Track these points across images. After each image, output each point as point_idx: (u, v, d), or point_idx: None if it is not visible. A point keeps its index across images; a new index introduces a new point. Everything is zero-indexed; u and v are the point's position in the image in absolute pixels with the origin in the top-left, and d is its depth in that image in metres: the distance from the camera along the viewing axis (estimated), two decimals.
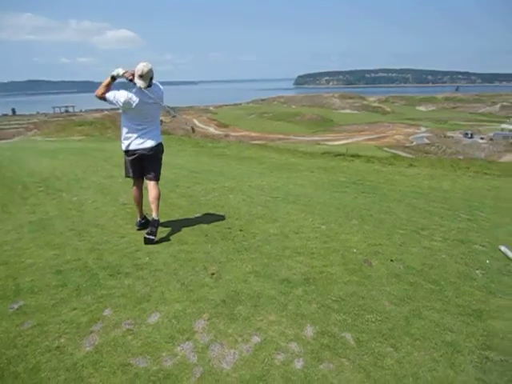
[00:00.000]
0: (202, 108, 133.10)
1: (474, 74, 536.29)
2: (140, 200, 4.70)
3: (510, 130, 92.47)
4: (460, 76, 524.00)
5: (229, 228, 4.77)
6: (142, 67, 4.15)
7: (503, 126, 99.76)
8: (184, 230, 4.71)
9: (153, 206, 4.43)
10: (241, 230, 4.70)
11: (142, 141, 4.36)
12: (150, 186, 4.51)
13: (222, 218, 5.17)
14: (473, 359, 2.53)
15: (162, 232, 4.60)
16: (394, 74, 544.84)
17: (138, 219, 4.83)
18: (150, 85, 4.24)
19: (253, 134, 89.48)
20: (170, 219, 5.12)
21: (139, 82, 4.15)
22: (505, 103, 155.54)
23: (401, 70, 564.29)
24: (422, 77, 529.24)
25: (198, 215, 5.30)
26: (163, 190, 6.82)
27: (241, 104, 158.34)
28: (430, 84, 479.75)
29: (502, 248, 4.22)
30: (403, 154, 67.80)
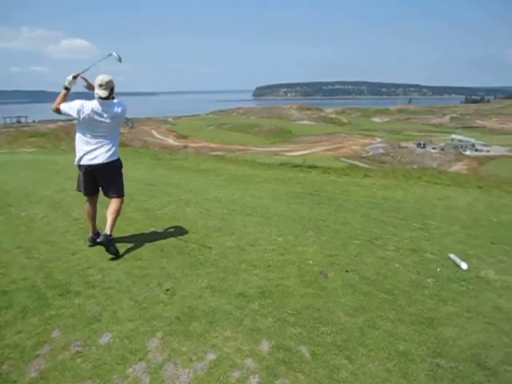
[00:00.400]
0: (161, 119, 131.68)
1: (425, 87, 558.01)
2: (93, 215, 4.56)
3: (459, 140, 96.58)
4: (412, 89, 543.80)
5: (185, 242, 4.70)
6: (102, 77, 4.07)
7: (453, 136, 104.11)
8: (139, 245, 4.60)
9: (108, 220, 4.30)
10: (197, 244, 4.64)
11: (93, 156, 4.20)
12: (111, 201, 4.41)
13: (178, 231, 5.09)
14: (424, 367, 2.58)
15: (117, 247, 4.48)
16: (349, 87, 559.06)
17: (91, 234, 4.66)
18: (111, 96, 4.15)
19: (212, 145, 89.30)
20: (125, 234, 4.98)
21: (100, 92, 4.06)
22: (454, 115, 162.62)
23: (356, 82, 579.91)
24: (376, 89, 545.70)
25: (153, 229, 5.20)
26: None
27: (200, 115, 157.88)
28: (384, 96, 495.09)
29: (451, 256, 4.36)
30: (360, 164, 69.48)
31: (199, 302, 3.30)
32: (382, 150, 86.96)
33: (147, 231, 5.12)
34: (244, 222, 5.59)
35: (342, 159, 75.10)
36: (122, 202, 4.48)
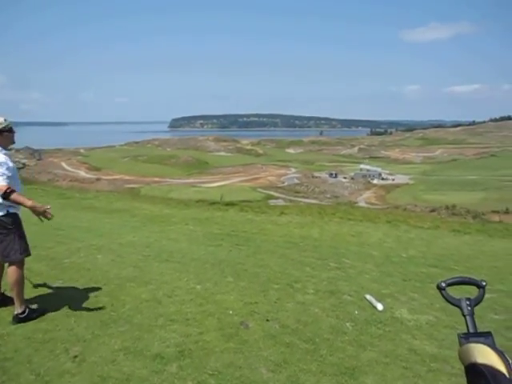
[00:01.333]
0: (72, 150, 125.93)
1: (335, 120, 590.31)
2: None
3: (368, 170, 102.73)
4: (323, 121, 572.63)
5: (95, 296, 4.36)
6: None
7: (362, 166, 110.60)
8: (43, 302, 4.19)
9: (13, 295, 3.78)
10: (109, 298, 4.33)
11: None
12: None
13: (88, 284, 4.72)
14: None
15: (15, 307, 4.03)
16: (264, 119, 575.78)
17: None
18: None
19: (127, 177, 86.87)
20: (26, 289, 4.52)
21: None
22: (362, 146, 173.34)
23: (270, 114, 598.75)
24: (289, 121, 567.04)
25: (60, 282, 4.77)
26: None
27: (114, 146, 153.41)
28: (298, 128, 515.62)
29: (368, 296, 4.46)
30: (276, 194, 71.15)
31: (111, 369, 3.02)
32: (296, 180, 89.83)
33: (53, 285, 4.68)
34: (160, 269, 5.35)
35: (259, 190, 76.43)
36: (16, 270, 3.74)
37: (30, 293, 4.40)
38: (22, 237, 3.79)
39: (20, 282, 3.77)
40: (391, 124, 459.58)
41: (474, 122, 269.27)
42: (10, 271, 3.73)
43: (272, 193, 73.10)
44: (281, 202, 59.27)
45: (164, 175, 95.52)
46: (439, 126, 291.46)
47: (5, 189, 3.39)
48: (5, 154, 3.63)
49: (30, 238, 6.79)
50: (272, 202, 60.83)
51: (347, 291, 4.69)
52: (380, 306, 4.21)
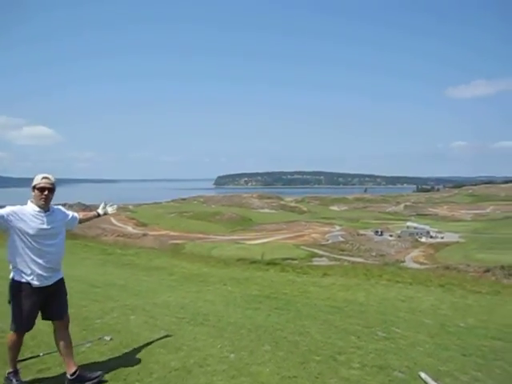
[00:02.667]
0: (121, 206, 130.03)
1: (379, 177, 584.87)
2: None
3: (415, 228, 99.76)
4: (367, 178, 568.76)
5: (122, 362, 4.05)
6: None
7: (408, 224, 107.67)
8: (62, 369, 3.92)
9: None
10: (137, 365, 4.02)
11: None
12: None
13: (116, 348, 4.45)
14: None
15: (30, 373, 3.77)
16: (308, 176, 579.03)
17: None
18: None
19: (172, 233, 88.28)
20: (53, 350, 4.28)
21: None
22: (407, 203, 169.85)
23: (314, 172, 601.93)
24: (333, 179, 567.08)
25: (87, 346, 4.52)
26: None
27: (161, 203, 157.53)
28: (341, 185, 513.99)
29: (422, 375, 3.91)
30: (320, 252, 69.86)
31: None
32: (341, 238, 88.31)
33: (80, 349, 4.42)
34: (194, 333, 5.01)
35: (303, 247, 75.43)
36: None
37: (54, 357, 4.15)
38: (13, 309, 3.60)
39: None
40: (438, 181, 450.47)
41: None
42: (67, 332, 3.86)
43: (316, 250, 71.91)
44: (325, 260, 57.99)
45: (208, 231, 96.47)
46: (489, 182, 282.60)
47: None
48: (33, 211, 3.56)
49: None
50: (316, 259, 59.68)
51: (398, 367, 4.14)
52: None
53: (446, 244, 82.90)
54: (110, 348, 4.45)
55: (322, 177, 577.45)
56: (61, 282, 3.88)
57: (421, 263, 60.70)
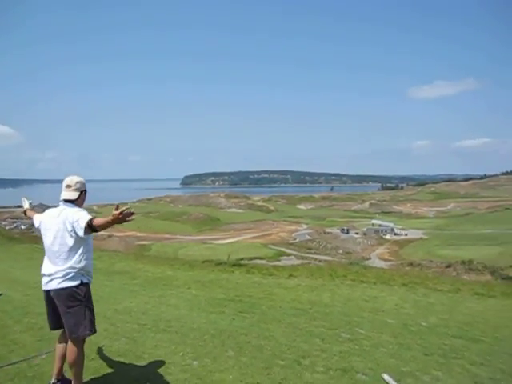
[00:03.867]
0: (85, 207, 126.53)
1: (345, 176, 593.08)
2: (60, 353, 3.59)
3: (380, 225, 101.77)
4: (333, 177, 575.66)
5: None
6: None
7: (373, 221, 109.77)
8: (19, 380, 3.73)
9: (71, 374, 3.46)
10: (94, 375, 3.86)
11: (48, 279, 3.38)
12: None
13: None
14: None
15: None
16: (275, 175, 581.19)
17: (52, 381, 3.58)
18: (70, 199, 3.49)
19: (139, 234, 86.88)
20: (5, 364, 4.06)
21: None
22: (372, 201, 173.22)
23: (281, 171, 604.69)
24: (300, 178, 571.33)
25: (42, 358, 4.31)
26: (7, 319, 5.71)
27: (127, 203, 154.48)
28: (308, 184, 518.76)
29: (385, 377, 3.92)
30: (288, 251, 70.25)
31: None
32: (308, 236, 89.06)
33: (33, 362, 4.20)
34: (155, 340, 4.87)
35: (270, 246, 75.63)
36: (78, 348, 3.41)
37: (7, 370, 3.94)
38: (92, 311, 3.48)
39: (80, 362, 3.43)
40: (402, 179, 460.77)
41: (485, 175, 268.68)
42: (71, 349, 3.39)
43: (283, 249, 72.20)
44: (292, 259, 58.35)
45: (175, 232, 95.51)
46: (450, 180, 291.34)
47: (87, 220, 3.22)
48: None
49: (24, 304, 6.47)
50: (284, 258, 59.94)
51: (361, 369, 4.14)
52: None
53: (410, 241, 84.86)
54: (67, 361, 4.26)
55: (288, 176, 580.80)
56: None
57: (386, 260, 61.93)
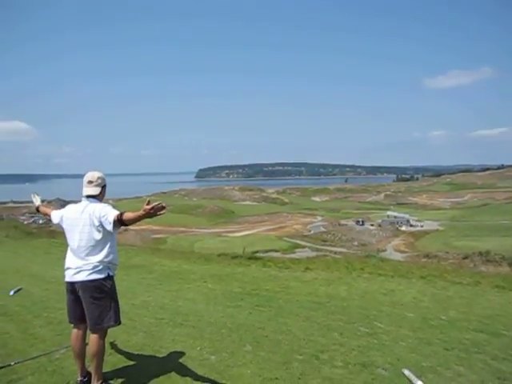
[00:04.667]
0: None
1: (360, 167, 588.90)
2: (79, 351, 3.58)
3: (395, 217, 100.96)
4: (348, 169, 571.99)
5: None
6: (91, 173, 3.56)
7: (389, 213, 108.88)
8: (39, 375, 3.76)
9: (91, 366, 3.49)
10: (114, 370, 3.88)
11: (74, 271, 3.42)
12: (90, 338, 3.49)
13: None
14: None
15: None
16: (289, 168, 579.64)
17: (79, 378, 3.60)
18: (92, 195, 3.52)
19: (154, 228, 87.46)
20: (26, 357, 4.10)
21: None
22: (387, 192, 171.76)
23: (295, 163, 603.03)
24: (314, 170, 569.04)
25: (62, 352, 4.33)
26: (26, 314, 5.77)
27: (141, 197, 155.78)
28: (322, 176, 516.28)
29: (406, 372, 3.86)
30: (302, 243, 70.16)
31: None
32: (323, 229, 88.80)
33: (54, 356, 4.24)
34: (173, 335, 4.88)
35: (285, 238, 75.64)
36: (100, 339, 3.45)
37: (25, 365, 3.97)
38: (117, 303, 3.55)
39: (102, 354, 3.47)
40: (417, 170, 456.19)
41: (502, 165, 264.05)
42: (93, 340, 3.42)
43: (298, 241, 72.16)
44: (307, 251, 58.28)
45: (190, 225, 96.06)
46: (467, 170, 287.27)
47: (117, 214, 3.22)
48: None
49: (43, 299, 6.54)
50: (299, 251, 59.90)
51: (381, 364, 4.09)
52: None
53: (426, 232, 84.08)
54: (87, 354, 4.28)
55: (303, 168, 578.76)
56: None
57: (402, 252, 61.48)
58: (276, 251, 54.05)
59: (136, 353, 4.32)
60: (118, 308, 3.57)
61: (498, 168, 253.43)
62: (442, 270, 9.06)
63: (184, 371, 3.88)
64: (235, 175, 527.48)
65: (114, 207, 3.43)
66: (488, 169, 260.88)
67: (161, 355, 4.28)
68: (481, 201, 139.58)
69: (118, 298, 3.59)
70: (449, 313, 5.91)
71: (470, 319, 5.63)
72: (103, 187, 3.60)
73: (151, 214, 2.96)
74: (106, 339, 3.54)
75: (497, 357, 4.34)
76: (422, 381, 3.67)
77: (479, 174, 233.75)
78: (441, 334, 5.04)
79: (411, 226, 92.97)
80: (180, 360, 4.14)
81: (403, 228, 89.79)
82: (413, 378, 3.75)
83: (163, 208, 2.98)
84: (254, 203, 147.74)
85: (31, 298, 6.66)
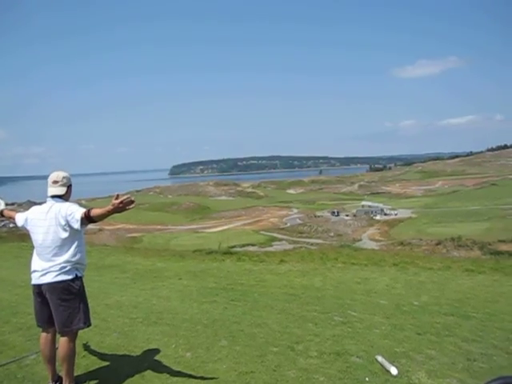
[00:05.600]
0: (73, 201, 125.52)
1: (333, 158, 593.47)
2: (49, 355, 3.52)
3: (369, 206, 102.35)
4: (321, 160, 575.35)
5: None
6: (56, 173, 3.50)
7: (363, 203, 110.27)
8: (8, 382, 3.66)
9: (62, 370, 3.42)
10: (86, 370, 3.82)
11: (40, 273, 3.34)
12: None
13: None
14: None
15: None
16: (263, 161, 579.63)
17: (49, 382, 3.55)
18: (58, 195, 3.46)
19: (129, 226, 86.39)
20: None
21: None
22: (361, 183, 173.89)
23: (269, 156, 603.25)
24: (288, 162, 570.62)
25: (32, 358, 4.22)
26: None
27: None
28: (297, 169, 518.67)
29: (379, 358, 3.92)
30: (279, 236, 70.48)
31: None
32: (299, 221, 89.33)
33: (25, 362, 4.14)
34: (147, 334, 4.82)
35: (262, 232, 75.82)
36: (70, 342, 3.38)
37: None
38: (86, 304, 3.49)
39: (72, 357, 3.40)
40: (390, 159, 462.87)
41: (471, 152, 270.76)
42: (63, 343, 3.34)
43: (275, 235, 72.40)
44: (284, 244, 58.58)
45: (166, 222, 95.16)
46: (437, 158, 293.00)
47: (85, 211, 3.21)
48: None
49: (14, 304, 6.37)
50: (276, 244, 60.13)
51: (355, 352, 4.13)
52: (394, 370, 3.66)
53: (400, 220, 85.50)
54: (56, 358, 4.19)
55: (277, 161, 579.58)
56: None
57: (377, 240, 62.42)
58: (253, 245, 54.11)
59: (110, 354, 4.26)
60: (88, 309, 3.51)
61: (467, 155, 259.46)
62: (414, 257, 9.23)
63: (159, 370, 3.84)
64: (210, 171, 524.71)
65: (86, 208, 3.37)
66: (457, 156, 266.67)
67: (135, 355, 4.23)
68: (451, 188, 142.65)
69: (87, 300, 3.53)
70: (421, 298, 6.03)
71: (441, 303, 5.76)
72: (69, 187, 3.56)
73: (120, 208, 2.95)
74: (76, 341, 3.48)
75: (467, 339, 4.45)
76: (395, 366, 3.73)
77: (449, 161, 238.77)
78: (413, 319, 5.14)
79: (385, 214, 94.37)
80: (155, 359, 4.10)
81: (378, 217, 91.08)
82: (386, 363, 3.81)
83: (132, 202, 2.96)
84: (230, 198, 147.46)
85: (0, 303, 6.48)
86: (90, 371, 3.85)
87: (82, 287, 3.48)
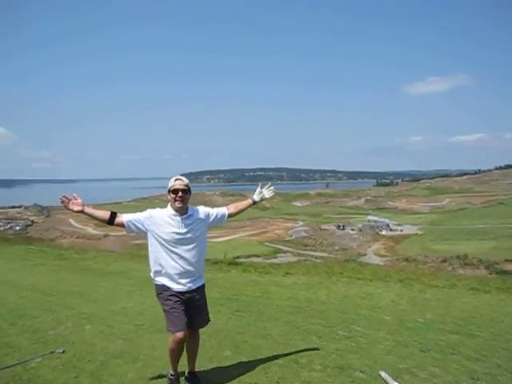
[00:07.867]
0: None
1: (340, 172, 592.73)
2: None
3: (375, 221, 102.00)
4: (329, 174, 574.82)
5: (75, 377, 3.86)
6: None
7: (369, 217, 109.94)
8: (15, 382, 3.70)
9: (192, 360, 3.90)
10: (91, 378, 3.84)
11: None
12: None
13: (69, 361, 4.23)
14: None
15: None
16: (270, 173, 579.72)
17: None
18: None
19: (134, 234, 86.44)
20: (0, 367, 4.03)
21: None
22: (368, 197, 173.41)
23: (276, 168, 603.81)
24: (295, 175, 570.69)
25: (38, 361, 4.27)
26: (1, 322, 5.69)
27: (121, 203, 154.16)
28: (304, 181, 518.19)
29: (382, 374, 3.92)
30: (284, 248, 70.40)
31: None
32: (304, 233, 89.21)
33: (30, 364, 4.18)
34: (152, 341, 4.86)
35: (267, 244, 75.75)
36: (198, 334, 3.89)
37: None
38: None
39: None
40: (397, 175, 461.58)
41: (479, 170, 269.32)
42: (197, 335, 3.86)
43: (280, 246, 72.33)
44: (289, 256, 58.48)
45: None
46: (445, 175, 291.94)
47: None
48: (169, 214, 3.60)
49: (19, 307, 6.44)
50: (280, 255, 60.04)
51: (359, 366, 4.14)
52: None
53: (406, 236, 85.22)
54: (62, 362, 4.23)
55: (284, 173, 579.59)
56: (200, 289, 3.83)
57: (382, 256, 62.17)
58: (258, 256, 54.08)
59: (114, 360, 4.28)
60: (166, 317, 3.67)
61: (475, 173, 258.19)
62: (420, 274, 9.22)
63: (163, 378, 3.87)
64: (216, 180, 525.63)
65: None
66: (465, 173, 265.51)
67: (139, 362, 4.25)
68: (459, 205, 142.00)
69: (161, 305, 3.74)
70: (425, 315, 6.02)
71: (445, 321, 5.74)
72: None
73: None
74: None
75: (471, 357, 4.44)
76: (399, 382, 3.74)
77: (457, 178, 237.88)
78: (417, 335, 5.13)
79: (391, 230, 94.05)
80: (159, 367, 4.12)
81: (383, 232, 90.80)
82: (389, 379, 3.81)
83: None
84: None
85: (6, 305, 6.55)
86: (95, 377, 3.87)
87: None
